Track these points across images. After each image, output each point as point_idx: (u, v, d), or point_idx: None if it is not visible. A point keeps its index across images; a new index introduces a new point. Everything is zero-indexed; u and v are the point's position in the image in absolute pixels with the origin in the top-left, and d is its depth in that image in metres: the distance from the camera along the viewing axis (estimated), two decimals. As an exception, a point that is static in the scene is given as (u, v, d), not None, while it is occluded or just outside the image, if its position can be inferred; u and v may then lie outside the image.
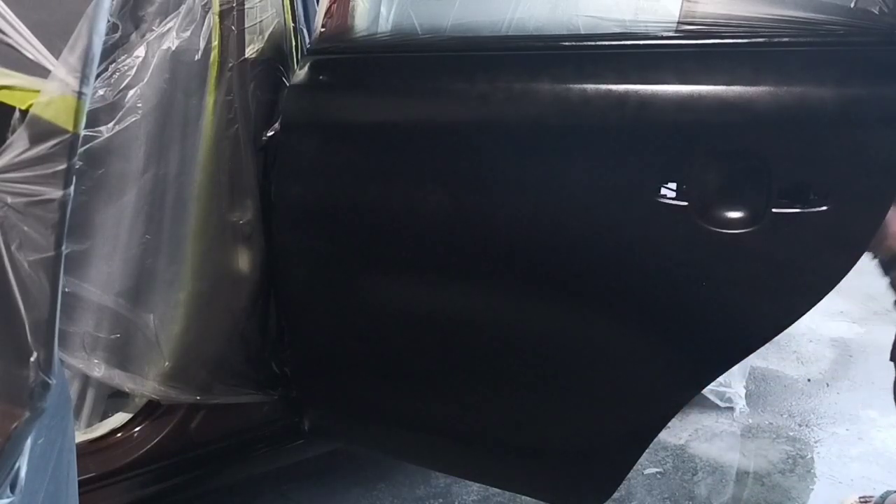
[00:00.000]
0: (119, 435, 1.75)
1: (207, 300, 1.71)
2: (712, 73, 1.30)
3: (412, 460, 1.97)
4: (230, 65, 1.63)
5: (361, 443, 1.96)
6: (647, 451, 1.60)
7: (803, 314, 1.35)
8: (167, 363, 1.68)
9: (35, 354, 1.00)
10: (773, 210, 1.27)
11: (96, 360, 1.66)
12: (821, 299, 1.32)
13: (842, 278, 1.29)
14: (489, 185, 1.48)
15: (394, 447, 1.88)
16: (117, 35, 1.59)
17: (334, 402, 1.84)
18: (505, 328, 1.55)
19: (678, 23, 1.32)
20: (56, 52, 1.01)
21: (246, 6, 1.65)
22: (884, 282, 1.68)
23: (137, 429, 1.75)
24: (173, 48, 1.58)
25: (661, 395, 1.49)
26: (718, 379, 1.98)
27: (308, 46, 1.71)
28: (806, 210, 1.26)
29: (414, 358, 1.67)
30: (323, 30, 1.65)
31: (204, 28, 1.60)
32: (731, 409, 2.73)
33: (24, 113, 1.00)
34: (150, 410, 1.75)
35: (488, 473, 1.81)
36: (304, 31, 1.76)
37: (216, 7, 1.61)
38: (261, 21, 1.67)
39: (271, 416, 1.88)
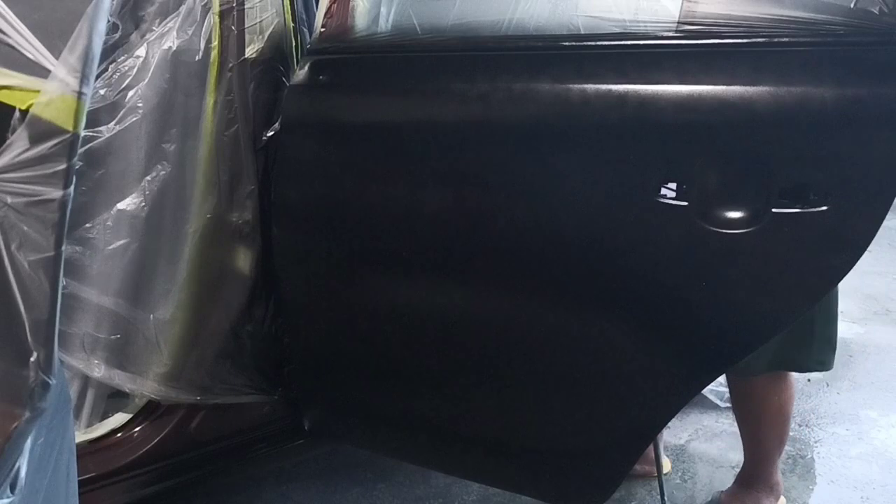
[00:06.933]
0: (119, 435, 1.75)
1: (207, 300, 1.71)
2: (712, 73, 1.30)
3: (412, 460, 1.97)
4: (230, 65, 1.64)
5: (361, 443, 1.96)
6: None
7: (803, 314, 1.35)
8: (167, 363, 1.68)
9: (35, 354, 1.00)
10: (773, 210, 1.27)
11: (96, 361, 1.66)
12: (821, 299, 1.32)
13: (842, 278, 1.30)
14: (489, 185, 1.48)
15: (394, 447, 1.88)
16: (117, 35, 1.59)
17: (334, 402, 1.84)
18: (504, 328, 1.55)
19: (678, 23, 1.32)
20: (56, 52, 1.01)
21: (246, 6, 1.65)
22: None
23: (137, 429, 1.75)
24: (174, 48, 1.59)
25: (661, 395, 1.49)
26: (718, 379, 1.98)
27: (308, 46, 1.71)
28: (806, 210, 1.26)
29: (413, 358, 1.67)
30: (323, 30, 1.65)
31: (204, 28, 1.60)
32: (731, 409, 2.73)
33: (24, 113, 1.00)
34: (150, 410, 1.76)
35: (488, 473, 1.81)
36: (305, 31, 1.77)
37: (216, 7, 1.61)
38: (261, 21, 1.68)
39: (271, 416, 1.88)
